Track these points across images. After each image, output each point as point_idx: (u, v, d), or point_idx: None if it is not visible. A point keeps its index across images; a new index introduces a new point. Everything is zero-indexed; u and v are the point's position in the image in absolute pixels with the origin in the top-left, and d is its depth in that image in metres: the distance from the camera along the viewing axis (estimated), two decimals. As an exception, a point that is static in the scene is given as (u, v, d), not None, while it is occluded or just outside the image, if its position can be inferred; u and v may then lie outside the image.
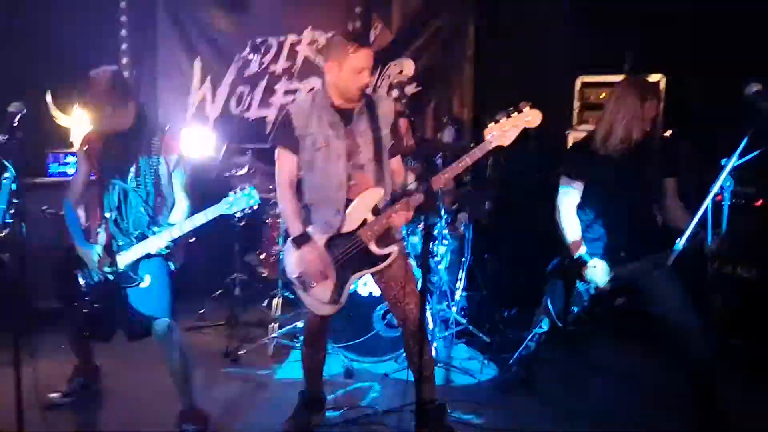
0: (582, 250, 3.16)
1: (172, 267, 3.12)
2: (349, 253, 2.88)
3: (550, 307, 3.41)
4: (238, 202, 2.97)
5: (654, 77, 4.42)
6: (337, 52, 2.79)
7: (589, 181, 3.19)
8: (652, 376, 3.81)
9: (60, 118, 4.91)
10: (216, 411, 3.27)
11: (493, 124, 2.75)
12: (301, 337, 3.35)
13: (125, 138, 3.00)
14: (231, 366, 4.05)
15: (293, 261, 2.93)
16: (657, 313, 3.05)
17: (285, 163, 2.95)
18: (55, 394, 3.40)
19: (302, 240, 2.89)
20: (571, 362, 3.84)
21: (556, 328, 3.40)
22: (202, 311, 4.97)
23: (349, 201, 2.88)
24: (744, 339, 3.76)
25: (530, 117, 2.75)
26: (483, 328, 4.38)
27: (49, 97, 4.89)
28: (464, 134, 5.25)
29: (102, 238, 2.99)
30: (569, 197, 3.22)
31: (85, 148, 3.08)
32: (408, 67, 5.51)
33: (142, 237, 2.96)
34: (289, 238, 2.95)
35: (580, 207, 3.23)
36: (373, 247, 2.87)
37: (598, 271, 3.10)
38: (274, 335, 4.25)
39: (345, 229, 2.89)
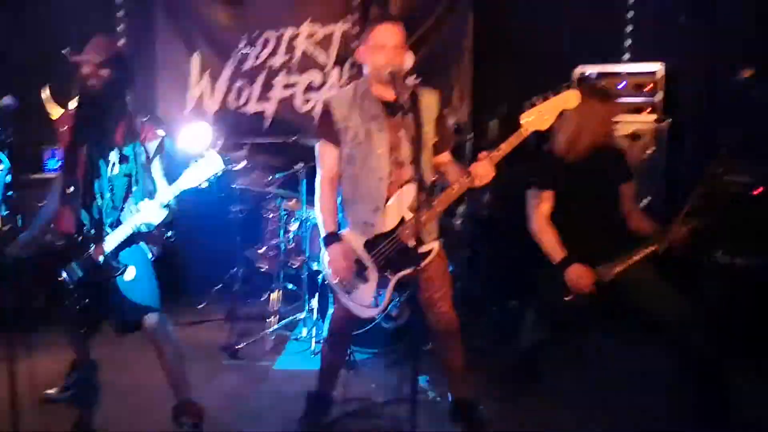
0: (560, 257, 3.09)
1: (150, 256, 3.02)
2: (389, 254, 2.77)
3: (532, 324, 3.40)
4: (200, 172, 2.77)
5: (653, 66, 4.40)
6: (365, 36, 2.73)
7: (559, 189, 3.16)
8: (650, 369, 3.76)
9: (56, 114, 4.88)
10: (215, 405, 3.26)
11: (529, 108, 2.64)
12: (325, 336, 3.14)
13: (100, 116, 2.93)
14: (230, 360, 4.04)
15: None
16: (648, 311, 3.04)
17: (327, 157, 2.83)
18: (51, 390, 3.41)
19: (331, 239, 2.77)
20: (567, 357, 3.83)
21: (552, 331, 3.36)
22: (201, 305, 4.98)
23: (386, 198, 2.76)
24: (743, 328, 3.71)
25: (568, 98, 2.65)
26: (481, 320, 4.38)
27: (46, 93, 4.86)
28: (464, 126, 5.21)
29: (86, 219, 2.91)
30: (541, 207, 3.17)
31: (61, 130, 3.04)
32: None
33: (117, 223, 2.87)
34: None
35: (555, 213, 3.18)
36: (413, 246, 2.63)
37: (579, 276, 3.03)
38: (272, 329, 4.25)
39: (384, 229, 2.77)
